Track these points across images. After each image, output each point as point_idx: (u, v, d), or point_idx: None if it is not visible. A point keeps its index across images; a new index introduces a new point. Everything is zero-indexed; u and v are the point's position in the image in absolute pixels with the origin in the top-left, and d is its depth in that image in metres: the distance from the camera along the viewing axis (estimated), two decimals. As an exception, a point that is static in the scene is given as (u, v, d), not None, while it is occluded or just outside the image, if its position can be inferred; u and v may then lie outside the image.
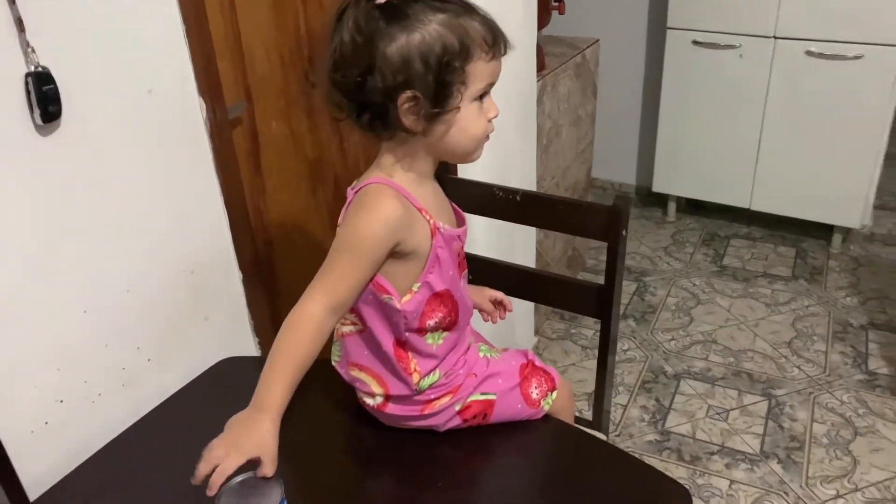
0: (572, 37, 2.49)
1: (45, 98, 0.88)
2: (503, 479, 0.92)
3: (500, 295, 1.20)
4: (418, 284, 0.91)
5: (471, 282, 1.37)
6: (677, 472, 1.82)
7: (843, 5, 2.40)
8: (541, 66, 2.05)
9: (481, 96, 0.87)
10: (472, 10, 0.85)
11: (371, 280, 0.89)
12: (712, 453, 1.89)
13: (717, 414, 2.02)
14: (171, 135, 1.10)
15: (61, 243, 0.96)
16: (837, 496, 1.75)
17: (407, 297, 0.91)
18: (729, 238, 2.92)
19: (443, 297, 0.93)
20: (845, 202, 2.66)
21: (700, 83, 2.73)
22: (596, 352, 2.29)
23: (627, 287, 2.56)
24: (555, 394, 1.05)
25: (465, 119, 0.87)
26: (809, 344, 2.28)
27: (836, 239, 2.78)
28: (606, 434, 1.36)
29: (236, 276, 1.26)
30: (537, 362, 1.09)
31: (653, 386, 2.14)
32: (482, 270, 1.36)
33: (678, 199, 3.06)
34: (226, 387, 1.13)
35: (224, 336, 1.26)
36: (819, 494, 1.75)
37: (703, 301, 2.53)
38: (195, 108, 1.13)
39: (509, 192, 1.31)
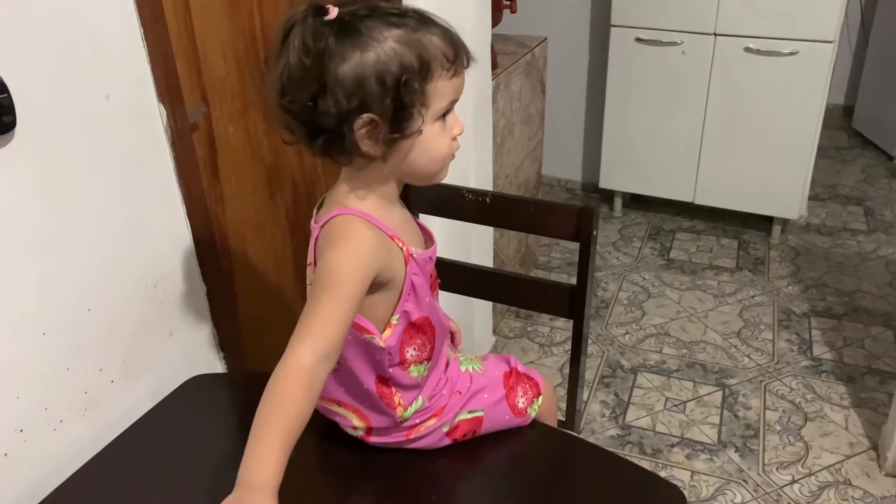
0: (520, 35, 2.49)
1: (-3, 107, 0.81)
2: (497, 489, 0.90)
3: (454, 326, 1.12)
4: (396, 316, 0.86)
5: (438, 286, 1.36)
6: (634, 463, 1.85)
7: (779, 3, 2.48)
8: (494, 65, 2.05)
9: (444, 114, 0.82)
10: (429, 23, 0.79)
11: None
12: (672, 445, 1.93)
13: (675, 406, 2.06)
14: (129, 142, 1.04)
15: (16, 262, 0.90)
16: (793, 481, 1.80)
17: (388, 332, 0.86)
18: (674, 231, 2.98)
19: (420, 326, 0.89)
20: (783, 194, 2.75)
21: (643, 80, 2.78)
22: (553, 349, 2.33)
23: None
24: (541, 399, 1.04)
25: (428, 140, 0.81)
26: (757, 333, 2.35)
27: (776, 230, 2.87)
28: (578, 432, 1.37)
29: (200, 288, 1.21)
30: (520, 368, 1.07)
31: (611, 381, 2.17)
32: (452, 274, 1.34)
33: (623, 195, 3.11)
34: (196, 407, 1.08)
35: (189, 352, 1.20)
36: (776, 480, 1.81)
37: (654, 294, 2.58)
38: (154, 114, 1.07)
39: (479, 195, 1.29)
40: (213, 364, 1.26)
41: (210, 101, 1.29)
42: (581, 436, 1.96)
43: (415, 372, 0.90)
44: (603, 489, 0.90)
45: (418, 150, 0.81)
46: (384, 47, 0.75)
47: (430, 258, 0.91)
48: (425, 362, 0.91)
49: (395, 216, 0.88)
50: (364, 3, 0.79)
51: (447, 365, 0.99)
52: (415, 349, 0.89)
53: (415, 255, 0.86)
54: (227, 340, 1.29)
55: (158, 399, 1.08)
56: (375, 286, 0.83)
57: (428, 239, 0.96)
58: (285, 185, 1.55)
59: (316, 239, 0.84)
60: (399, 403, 0.91)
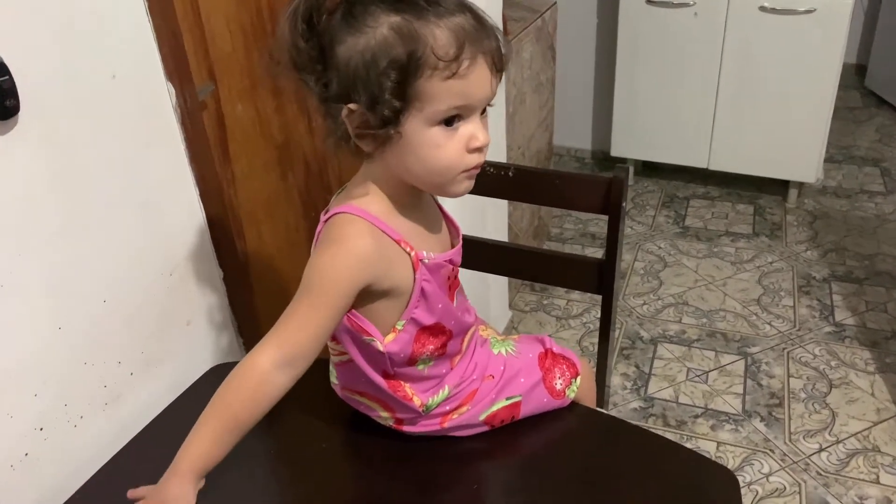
0: (529, 0, 2.42)
1: (0, 92, 0.76)
2: (540, 476, 0.87)
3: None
4: (402, 322, 0.81)
5: (463, 264, 1.31)
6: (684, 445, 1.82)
7: (794, -40, 2.40)
8: (504, 32, 1.98)
9: (451, 120, 0.73)
10: (443, 12, 0.70)
11: (344, 318, 0.79)
12: (697, 416, 1.90)
13: (697, 376, 2.03)
14: (138, 124, 0.99)
15: (29, 255, 0.85)
16: (821, 449, 1.78)
17: (391, 337, 0.81)
18: (688, 199, 2.93)
19: (433, 330, 0.84)
20: (800, 157, 2.69)
21: (655, 44, 2.70)
22: (570, 322, 2.30)
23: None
24: (579, 379, 0.99)
25: (421, 146, 0.73)
26: (777, 300, 2.31)
27: (792, 194, 2.82)
28: (607, 409, 1.33)
29: (217, 274, 1.17)
30: (556, 349, 1.03)
31: (631, 352, 2.14)
32: (475, 251, 1.30)
33: (635, 162, 3.05)
34: (219, 397, 1.04)
35: (208, 340, 1.16)
36: (803, 449, 1.78)
37: (670, 263, 2.54)
38: (163, 93, 1.02)
39: (501, 168, 1.24)
40: (233, 350, 1.23)
41: (217, 79, 1.24)
42: (604, 410, 1.94)
43: (420, 365, 0.86)
44: (651, 474, 0.86)
45: (410, 155, 0.74)
46: (376, 34, 0.69)
47: (450, 260, 0.85)
48: (432, 359, 0.87)
49: (408, 220, 0.81)
50: None
51: (474, 351, 0.94)
52: (427, 354, 0.85)
53: (425, 261, 0.80)
54: (245, 326, 1.25)
55: (180, 390, 1.04)
56: (376, 294, 0.78)
57: (455, 238, 0.90)
58: (297, 164, 1.50)
59: (319, 233, 0.81)
60: (413, 395, 0.87)
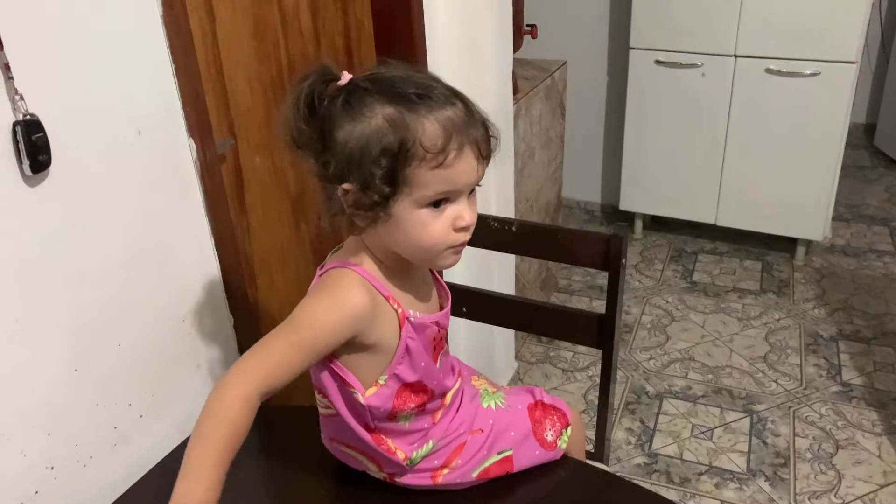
0: (539, 59, 2.50)
1: (34, 147, 0.82)
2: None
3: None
4: (385, 377, 0.84)
5: (464, 314, 1.35)
6: (668, 495, 1.82)
7: (799, 24, 2.47)
8: (515, 90, 2.05)
9: (439, 202, 0.77)
10: (433, 107, 0.75)
11: (327, 370, 0.83)
12: (700, 473, 1.89)
13: (702, 433, 2.03)
14: (160, 177, 1.04)
15: (49, 299, 0.90)
16: (826, 511, 1.76)
17: (372, 391, 0.84)
18: (696, 253, 2.96)
19: (414, 388, 0.87)
20: (807, 215, 2.72)
21: (663, 102, 2.77)
22: (577, 374, 2.31)
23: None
24: (570, 430, 1.02)
25: (410, 225, 0.78)
26: (784, 357, 2.32)
27: (800, 251, 2.84)
28: (607, 463, 1.34)
29: (227, 320, 1.20)
30: (546, 399, 1.05)
31: (636, 407, 2.14)
32: (477, 302, 1.33)
33: (644, 217, 3.09)
34: (224, 440, 1.07)
35: (217, 385, 1.19)
36: (808, 510, 1.77)
37: (677, 318, 2.55)
38: (184, 148, 1.07)
39: (504, 223, 1.29)
40: (240, 396, 1.26)
41: (237, 133, 1.30)
42: (608, 466, 1.94)
43: (401, 420, 0.88)
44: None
45: (399, 232, 0.79)
46: (371, 123, 0.75)
47: (436, 322, 0.88)
48: (413, 414, 0.89)
49: (399, 284, 0.86)
50: (392, 68, 0.79)
51: (459, 404, 0.96)
52: (407, 412, 0.88)
53: (411, 319, 0.84)
54: (253, 372, 1.28)
55: (187, 433, 1.06)
56: (360, 347, 0.82)
57: (444, 301, 0.94)
58: (310, 215, 1.55)
59: (313, 285, 0.85)
60: (396, 449, 0.89)
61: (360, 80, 0.78)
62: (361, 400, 0.84)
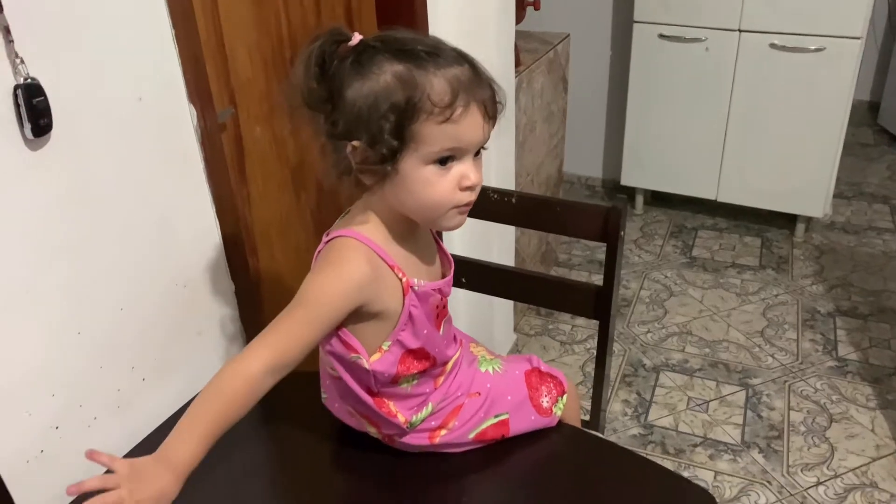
0: (542, 32, 2.48)
1: (35, 111, 0.83)
2: (525, 493, 0.90)
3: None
4: (388, 343, 0.86)
5: (463, 285, 1.36)
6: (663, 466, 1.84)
7: (805, -1, 2.45)
8: (517, 63, 2.04)
9: (445, 160, 0.79)
10: (442, 64, 0.77)
11: (333, 336, 0.85)
12: (695, 445, 1.92)
13: (698, 405, 2.05)
14: (161, 144, 1.05)
15: (53, 263, 0.91)
16: (818, 483, 1.79)
17: (376, 357, 0.86)
18: (696, 229, 2.96)
19: (417, 354, 0.89)
20: (808, 192, 2.72)
21: (666, 76, 2.76)
22: (575, 347, 2.33)
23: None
24: (565, 398, 1.03)
25: (415, 182, 0.79)
26: (781, 332, 2.33)
27: (800, 228, 2.85)
28: (603, 433, 1.36)
29: (229, 288, 1.22)
30: (543, 367, 1.07)
31: (633, 379, 2.17)
32: (477, 273, 1.35)
33: (645, 192, 3.09)
34: (225, 405, 1.09)
35: (218, 351, 1.21)
36: (800, 482, 1.79)
37: (676, 293, 2.56)
38: (185, 115, 1.08)
39: (504, 195, 1.29)
40: (241, 362, 1.28)
41: (237, 103, 1.30)
42: (603, 435, 1.97)
43: (404, 384, 0.90)
44: (632, 493, 0.90)
45: (405, 190, 0.80)
46: (380, 80, 0.76)
47: (438, 290, 0.90)
48: (416, 377, 0.91)
49: (403, 248, 0.87)
50: (398, 30, 0.80)
51: (458, 369, 0.98)
52: (411, 376, 0.90)
53: (415, 288, 0.86)
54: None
55: (188, 397, 1.08)
56: (366, 315, 0.83)
57: (447, 269, 0.96)
58: (310, 186, 1.55)
59: (319, 252, 0.86)
60: (397, 412, 0.91)
61: (369, 39, 0.79)
62: (366, 365, 0.86)
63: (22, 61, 0.81)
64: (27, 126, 0.83)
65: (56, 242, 0.91)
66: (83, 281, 0.95)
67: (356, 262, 0.81)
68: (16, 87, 0.81)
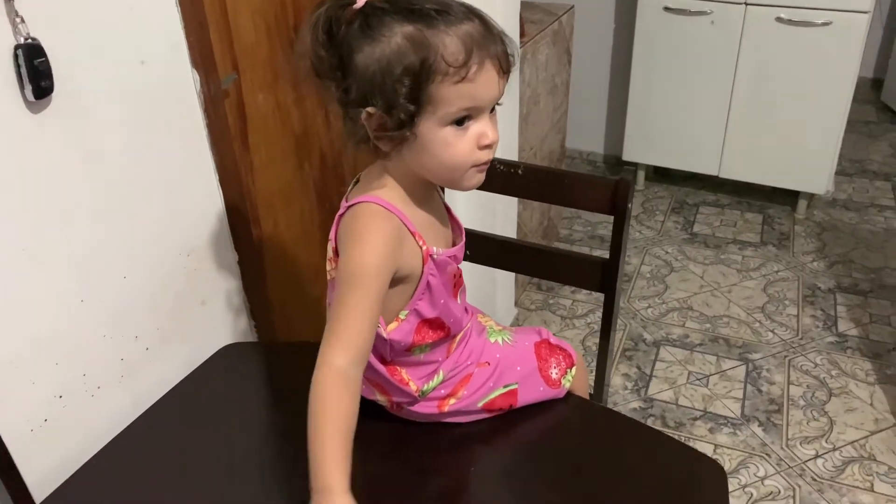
0: (547, 2, 2.45)
1: (36, 73, 0.81)
2: (535, 463, 0.90)
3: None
4: (406, 312, 0.85)
5: (468, 257, 1.35)
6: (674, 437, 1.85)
7: (812, -28, 2.42)
8: (521, 34, 2.01)
9: (462, 120, 0.77)
10: (452, 21, 0.75)
11: None
12: (695, 419, 1.93)
13: (698, 380, 2.06)
14: (164, 109, 1.03)
15: (55, 229, 0.90)
16: (817, 456, 1.80)
17: (393, 325, 0.85)
18: (698, 205, 2.95)
19: (433, 324, 0.88)
20: (810, 168, 2.71)
21: (670, 50, 2.73)
22: (575, 321, 2.33)
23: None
24: (574, 370, 1.03)
25: (434, 144, 0.77)
26: (781, 308, 2.33)
27: (801, 205, 2.84)
28: (604, 405, 1.36)
29: (232, 257, 1.21)
30: (552, 340, 1.06)
31: (633, 353, 2.17)
32: (481, 245, 1.33)
33: (647, 168, 3.07)
34: (229, 376, 1.09)
35: (222, 321, 1.21)
36: (799, 455, 1.80)
37: (677, 268, 2.56)
38: (188, 81, 1.06)
39: (510, 166, 1.28)
40: (245, 333, 1.27)
41: (240, 69, 1.28)
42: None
43: (417, 352, 0.90)
44: (642, 464, 0.90)
45: (425, 153, 0.78)
46: (391, 43, 0.74)
47: (454, 257, 0.89)
48: (429, 346, 0.90)
49: (422, 213, 0.86)
50: None
51: (468, 338, 0.97)
52: (426, 345, 0.89)
53: (434, 256, 0.84)
54: (257, 310, 1.29)
55: (192, 367, 1.08)
56: (394, 281, 0.82)
57: (458, 236, 0.95)
58: (313, 155, 1.53)
59: (340, 216, 0.84)
60: (409, 380, 0.90)
61: (376, 0, 0.76)
62: (384, 334, 0.85)
63: (22, 20, 0.79)
64: (28, 87, 0.81)
65: (58, 206, 0.89)
66: (86, 247, 0.94)
67: (386, 228, 0.80)
68: (16, 47, 0.79)
